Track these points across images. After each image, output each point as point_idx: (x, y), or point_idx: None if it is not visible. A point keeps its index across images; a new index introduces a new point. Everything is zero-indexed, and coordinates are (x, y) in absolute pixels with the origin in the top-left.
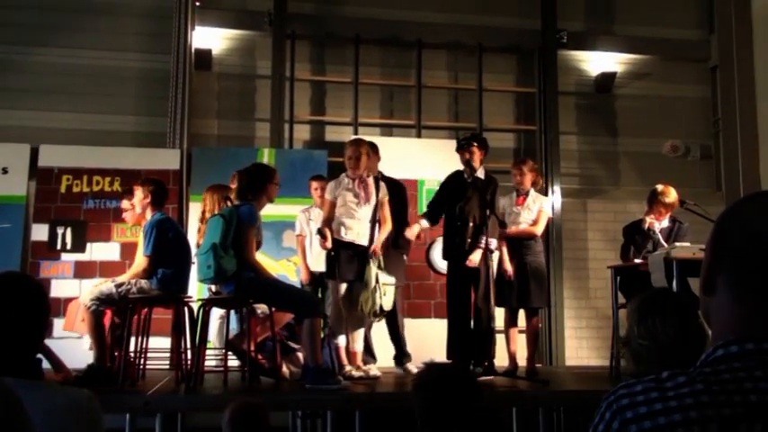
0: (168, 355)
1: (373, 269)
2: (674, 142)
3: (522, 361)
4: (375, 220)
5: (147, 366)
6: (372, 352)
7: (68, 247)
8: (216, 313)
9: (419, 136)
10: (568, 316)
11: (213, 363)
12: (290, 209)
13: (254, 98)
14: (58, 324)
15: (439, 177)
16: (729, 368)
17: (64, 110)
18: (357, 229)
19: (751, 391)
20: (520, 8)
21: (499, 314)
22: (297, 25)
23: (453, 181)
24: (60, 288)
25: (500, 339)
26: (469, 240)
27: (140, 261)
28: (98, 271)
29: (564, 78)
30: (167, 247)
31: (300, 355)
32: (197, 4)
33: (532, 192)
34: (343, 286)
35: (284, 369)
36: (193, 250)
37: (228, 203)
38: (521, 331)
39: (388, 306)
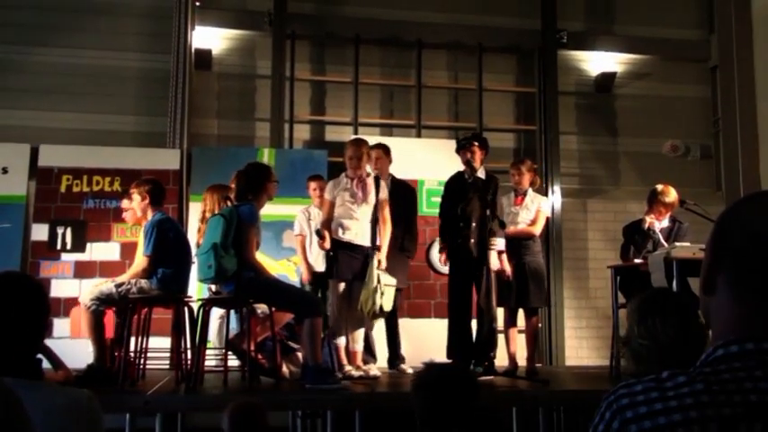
0: (168, 355)
1: (375, 270)
2: (673, 142)
3: (521, 361)
4: (375, 221)
5: (147, 366)
6: (373, 351)
7: (68, 247)
8: (216, 313)
9: (419, 136)
10: (568, 316)
11: (213, 363)
12: (289, 209)
13: (253, 98)
14: (59, 324)
15: (439, 177)
16: (729, 368)
17: (64, 110)
18: (355, 229)
19: (751, 391)
20: (520, 8)
21: (498, 314)
22: (297, 25)
23: (455, 182)
24: (60, 288)
25: (500, 339)
26: (473, 241)
27: (140, 261)
28: (98, 271)
29: (564, 78)
30: (168, 247)
31: (300, 355)
32: (197, 3)
33: (530, 192)
34: (342, 286)
35: (284, 369)
36: (193, 250)
37: (228, 203)
38: (520, 331)
39: (388, 307)
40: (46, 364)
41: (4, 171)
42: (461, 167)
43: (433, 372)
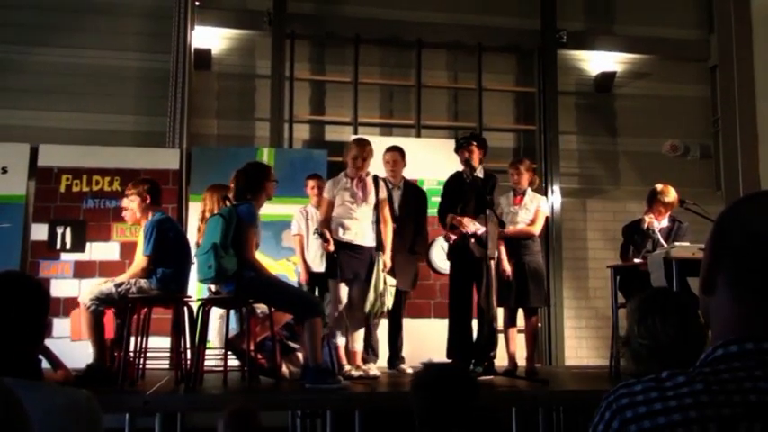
0: (168, 354)
1: (381, 271)
2: (673, 142)
3: (521, 361)
4: (376, 221)
5: (147, 366)
6: (375, 350)
7: (68, 246)
8: (216, 313)
9: (419, 136)
10: (568, 316)
11: (213, 363)
12: (289, 209)
13: (253, 98)
14: (59, 324)
15: (439, 177)
16: (729, 368)
17: (64, 110)
18: (355, 229)
19: (750, 391)
20: (520, 8)
21: (498, 314)
22: (297, 25)
23: (454, 182)
24: (60, 288)
25: (499, 339)
26: (473, 241)
27: (140, 261)
28: (98, 271)
29: (564, 78)
30: (167, 246)
31: (300, 355)
32: (197, 3)
33: (529, 191)
34: (343, 286)
35: (284, 369)
36: (193, 250)
37: (227, 203)
38: (520, 331)
39: (390, 306)
40: (45, 365)
41: (4, 171)
42: (461, 167)
43: (432, 372)
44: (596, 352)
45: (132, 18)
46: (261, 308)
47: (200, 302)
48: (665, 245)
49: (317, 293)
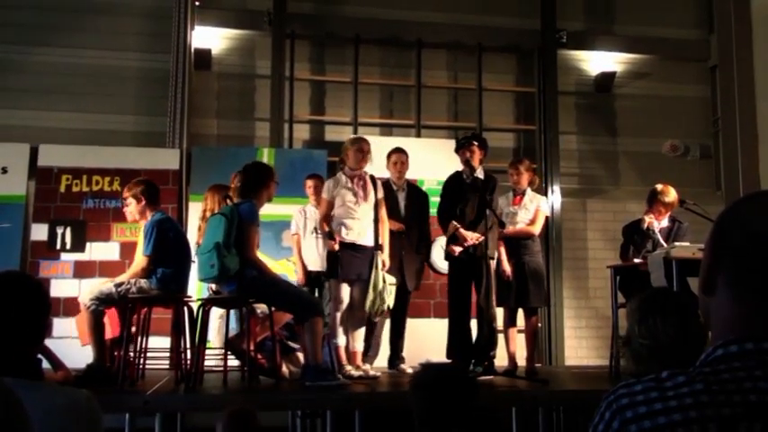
0: (168, 354)
1: (381, 270)
2: (673, 142)
3: (521, 361)
4: (377, 219)
5: (147, 366)
6: (376, 349)
7: (68, 246)
8: (216, 313)
9: (419, 136)
10: (568, 316)
11: (213, 363)
12: (289, 209)
13: (253, 98)
14: (58, 324)
15: (438, 177)
16: (729, 368)
17: (64, 110)
18: (357, 229)
19: (750, 391)
20: (519, 8)
21: (498, 314)
22: (296, 25)
23: (454, 182)
24: (60, 288)
25: (499, 339)
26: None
27: (140, 260)
28: (98, 271)
29: (564, 78)
30: (167, 246)
31: (300, 355)
32: (197, 3)
33: (529, 191)
34: (344, 286)
35: (284, 369)
36: (193, 250)
37: (228, 202)
38: (520, 331)
39: (391, 305)
40: (45, 365)
41: (4, 171)
42: (461, 167)
43: (431, 372)
44: (596, 352)
45: (132, 18)
46: (261, 308)
47: (200, 302)
48: (665, 245)
49: (315, 293)
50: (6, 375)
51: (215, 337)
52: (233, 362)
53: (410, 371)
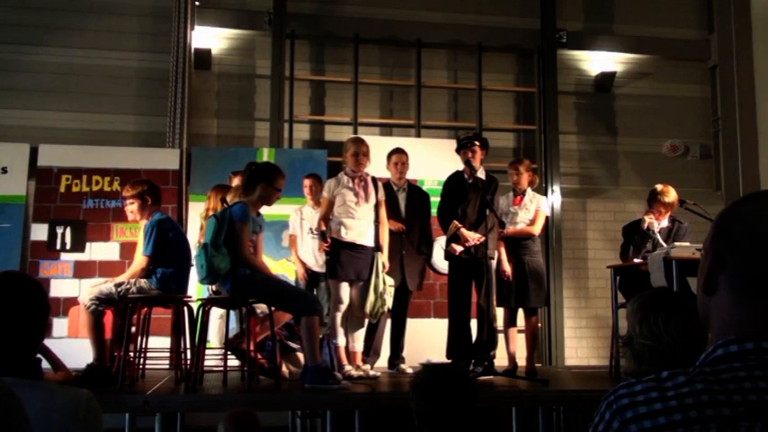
0: (168, 354)
1: (381, 272)
2: (673, 142)
3: (521, 361)
4: (377, 220)
5: (147, 366)
6: (377, 349)
7: (68, 246)
8: (216, 313)
9: (419, 136)
10: (568, 316)
11: (213, 362)
12: (289, 209)
13: (253, 98)
14: (58, 324)
15: (438, 177)
16: (729, 368)
17: (64, 110)
18: (357, 229)
19: (751, 391)
20: (519, 8)
21: (498, 314)
22: (296, 25)
23: (455, 182)
24: (60, 288)
25: (499, 339)
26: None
27: (140, 260)
28: (97, 271)
29: (563, 78)
30: (167, 247)
31: (300, 355)
32: (196, 3)
33: (529, 191)
34: (344, 285)
35: (284, 369)
36: (193, 250)
37: (223, 204)
38: (520, 331)
39: (390, 306)
40: (45, 365)
41: (4, 171)
42: (461, 167)
43: (431, 372)
44: (596, 352)
45: (132, 18)
46: (261, 308)
47: (200, 302)
48: (665, 245)
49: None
50: (6, 375)
51: (215, 337)
52: (233, 362)
53: (410, 371)
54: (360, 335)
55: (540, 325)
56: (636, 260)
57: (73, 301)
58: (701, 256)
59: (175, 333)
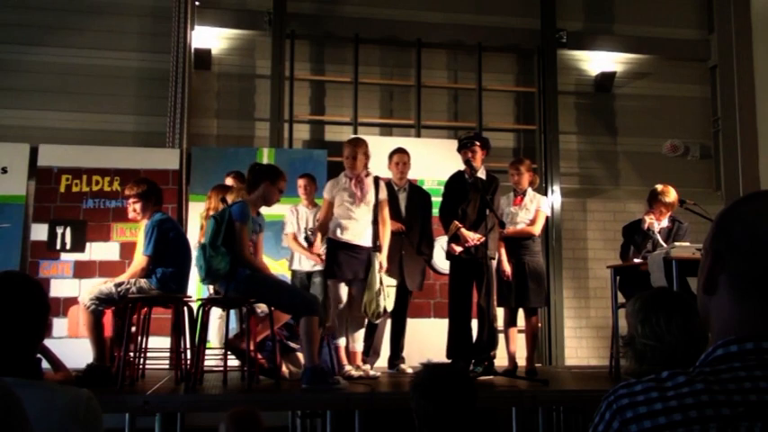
0: (168, 354)
1: (377, 272)
2: (673, 142)
3: (521, 361)
4: (375, 221)
5: (147, 366)
6: (377, 350)
7: (68, 246)
8: (216, 313)
9: (419, 136)
10: (568, 316)
11: (213, 362)
12: (289, 209)
13: (253, 98)
14: (58, 324)
15: (438, 177)
16: (729, 368)
17: (64, 110)
18: (354, 229)
19: (751, 391)
20: (519, 8)
21: (498, 314)
22: (296, 25)
23: (456, 182)
24: (60, 288)
25: (499, 339)
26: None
27: (140, 260)
28: (97, 271)
29: (563, 78)
30: (168, 247)
31: (300, 355)
32: (196, 3)
33: (530, 191)
34: (342, 285)
35: (284, 369)
36: (194, 250)
37: (223, 204)
38: (520, 331)
39: (389, 307)
40: (45, 365)
41: (4, 171)
42: (462, 166)
43: (431, 372)
44: (596, 352)
45: (132, 18)
46: (261, 308)
47: (200, 302)
48: (665, 245)
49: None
50: (6, 375)
51: (215, 337)
52: (233, 362)
53: (410, 371)
54: (360, 335)
55: (540, 325)
56: (636, 260)
57: (73, 301)
58: (702, 256)
59: (175, 333)
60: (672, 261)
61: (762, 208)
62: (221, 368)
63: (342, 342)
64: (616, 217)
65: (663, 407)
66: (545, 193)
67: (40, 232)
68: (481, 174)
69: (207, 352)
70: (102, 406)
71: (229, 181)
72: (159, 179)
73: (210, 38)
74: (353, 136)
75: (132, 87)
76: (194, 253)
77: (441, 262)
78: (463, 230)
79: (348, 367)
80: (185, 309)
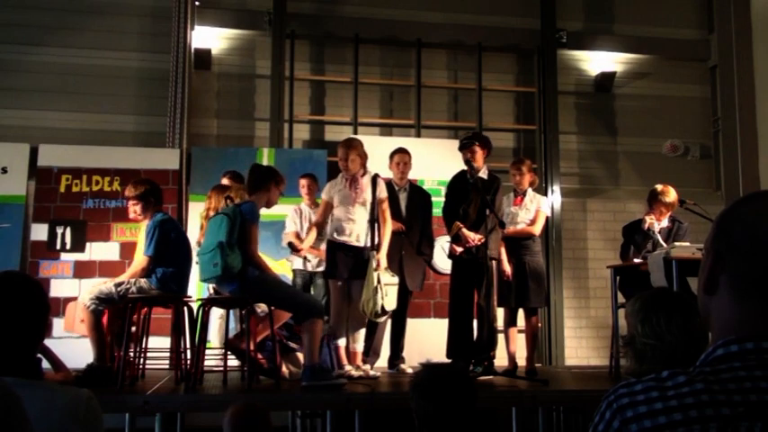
0: (168, 354)
1: (374, 270)
2: (673, 142)
3: (521, 361)
4: (373, 221)
5: (147, 366)
6: (377, 349)
7: (68, 246)
8: (216, 313)
9: (419, 136)
10: (568, 316)
11: (213, 362)
12: (289, 209)
13: (253, 98)
14: (58, 324)
15: (439, 177)
16: (729, 367)
17: (64, 110)
18: (350, 230)
19: (751, 391)
20: (519, 8)
21: (498, 314)
22: (296, 25)
23: (458, 182)
24: (60, 288)
25: (499, 339)
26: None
27: (140, 260)
28: (97, 271)
29: (563, 78)
30: (169, 247)
31: (300, 355)
32: (196, 3)
33: (530, 191)
34: (340, 285)
35: (284, 369)
36: (194, 249)
37: (229, 202)
38: (520, 331)
39: (390, 306)
40: (45, 365)
41: (4, 171)
42: (464, 167)
43: (431, 372)
44: (596, 352)
45: (132, 18)
46: (261, 307)
47: (200, 302)
48: (665, 245)
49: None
50: (6, 375)
51: (215, 337)
52: (233, 362)
53: (410, 371)
54: (360, 335)
55: (540, 325)
56: (636, 260)
57: (73, 302)
58: (702, 256)
59: (175, 333)
60: (672, 261)
61: (762, 208)
62: (221, 368)
63: (342, 342)
64: (616, 217)
65: (663, 406)
66: (545, 193)
67: (40, 232)
68: (483, 174)
69: (207, 352)
70: (102, 406)
71: (225, 181)
72: (159, 179)
73: (210, 38)
74: (347, 137)
75: (132, 87)
76: (194, 253)
77: (441, 262)
78: (464, 231)
79: (348, 367)
80: (185, 309)
